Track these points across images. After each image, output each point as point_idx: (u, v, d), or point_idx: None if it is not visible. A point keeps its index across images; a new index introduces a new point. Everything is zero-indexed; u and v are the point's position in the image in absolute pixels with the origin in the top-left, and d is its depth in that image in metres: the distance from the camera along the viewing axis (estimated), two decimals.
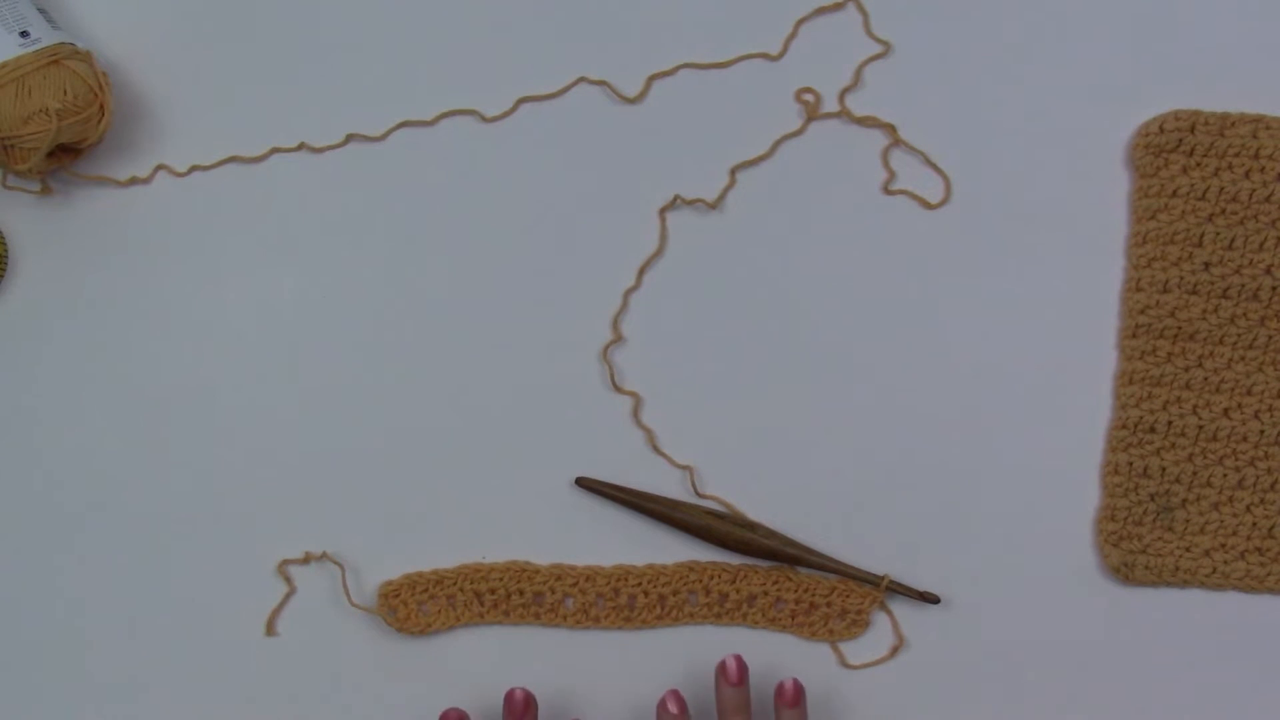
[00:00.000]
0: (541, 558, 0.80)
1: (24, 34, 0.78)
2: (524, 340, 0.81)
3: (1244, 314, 0.80)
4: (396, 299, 0.82)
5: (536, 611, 0.79)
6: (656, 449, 0.80)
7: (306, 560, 0.79)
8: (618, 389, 0.80)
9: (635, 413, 0.80)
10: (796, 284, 0.81)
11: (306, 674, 0.79)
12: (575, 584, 0.79)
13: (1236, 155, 0.80)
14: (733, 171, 0.82)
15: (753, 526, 0.78)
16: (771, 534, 0.78)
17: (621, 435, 0.80)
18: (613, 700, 0.79)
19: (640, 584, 0.79)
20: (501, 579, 0.79)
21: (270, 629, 0.79)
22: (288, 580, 0.79)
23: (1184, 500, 0.79)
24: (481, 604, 0.79)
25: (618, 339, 0.81)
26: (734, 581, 0.79)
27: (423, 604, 0.79)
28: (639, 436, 0.80)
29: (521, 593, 0.78)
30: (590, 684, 0.79)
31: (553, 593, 0.79)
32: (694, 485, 0.80)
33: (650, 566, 0.79)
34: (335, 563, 0.79)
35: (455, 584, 0.79)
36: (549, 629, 0.79)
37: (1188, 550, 0.79)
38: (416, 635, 0.79)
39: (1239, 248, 0.80)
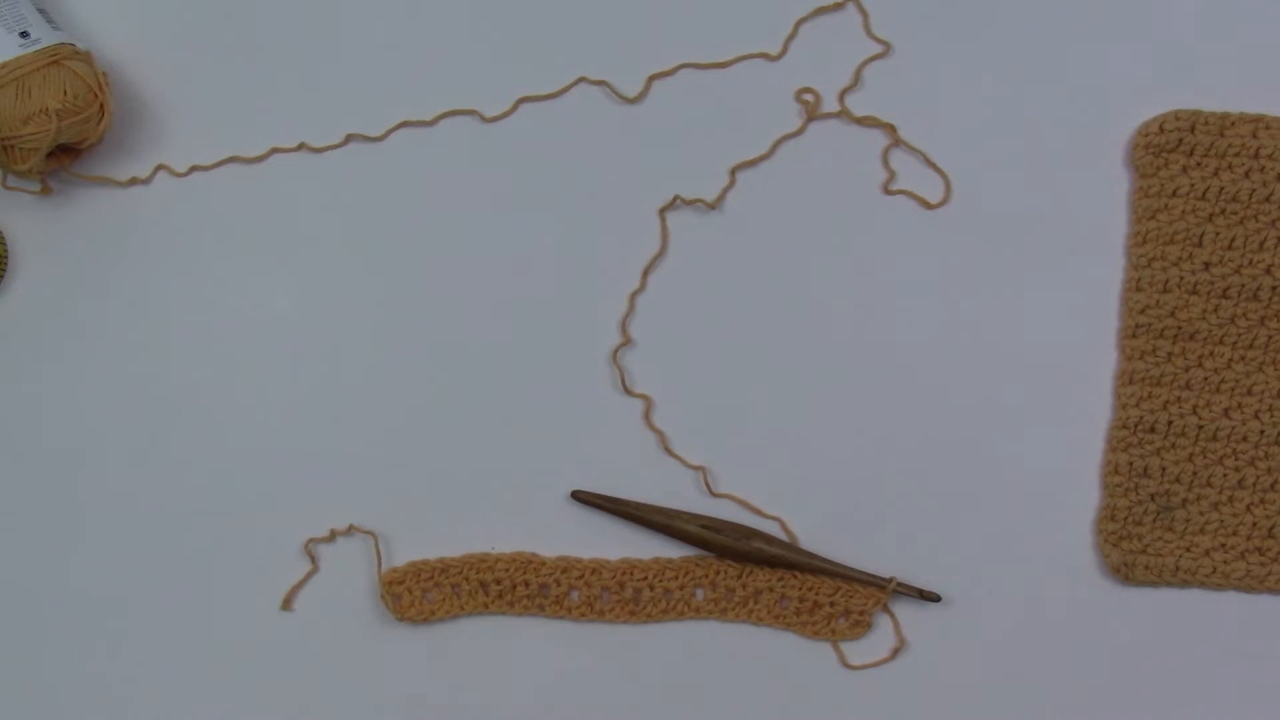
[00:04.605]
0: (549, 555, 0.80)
1: (24, 34, 0.78)
2: (525, 341, 0.81)
3: (1244, 314, 0.80)
4: (396, 300, 0.82)
5: (541, 603, 0.79)
6: (669, 451, 0.80)
7: (332, 537, 0.79)
8: (629, 392, 0.80)
9: (646, 415, 0.80)
10: (796, 285, 0.81)
11: (312, 659, 0.79)
12: (581, 577, 0.79)
13: (1236, 155, 0.80)
14: (733, 171, 0.82)
15: (750, 535, 0.78)
16: (772, 540, 0.78)
17: (633, 438, 0.80)
18: (616, 693, 0.79)
19: (646, 578, 0.79)
20: (507, 570, 0.79)
21: (287, 604, 0.79)
22: (313, 559, 0.79)
23: (1184, 500, 0.79)
24: (486, 594, 0.79)
25: (626, 342, 0.81)
26: (740, 576, 0.79)
27: (427, 591, 0.79)
28: (651, 439, 0.80)
29: (527, 584, 0.79)
30: (593, 676, 0.79)
31: (558, 585, 0.79)
32: (708, 485, 0.80)
33: (656, 560, 0.79)
34: (368, 533, 0.79)
35: (460, 573, 0.79)
36: (553, 620, 0.79)
37: (1188, 550, 0.79)
38: (419, 623, 0.79)
39: (1239, 248, 0.80)
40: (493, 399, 0.81)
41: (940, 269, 0.81)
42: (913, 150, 0.83)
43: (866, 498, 0.80)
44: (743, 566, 0.79)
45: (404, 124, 0.83)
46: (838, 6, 0.84)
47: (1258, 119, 0.81)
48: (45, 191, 0.82)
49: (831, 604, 0.78)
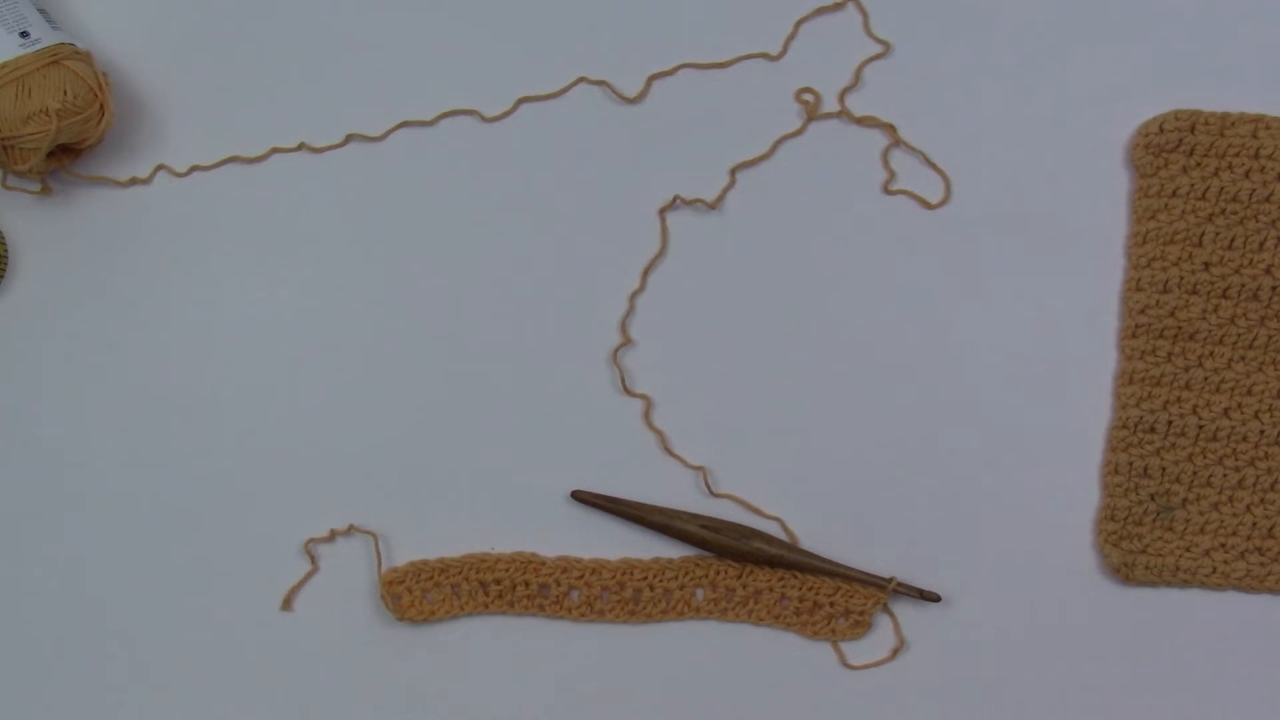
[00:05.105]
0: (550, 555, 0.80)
1: (24, 34, 0.78)
2: (525, 342, 0.81)
3: (1244, 314, 0.80)
4: (396, 300, 0.82)
5: (541, 603, 0.79)
6: (669, 451, 0.80)
7: (332, 537, 0.79)
8: (629, 392, 0.80)
9: (646, 415, 0.80)
10: (796, 285, 0.81)
11: (312, 659, 0.79)
12: (581, 577, 0.79)
13: (1236, 155, 0.80)
14: (733, 171, 0.82)
15: (750, 535, 0.78)
16: (772, 540, 0.78)
17: (633, 438, 0.80)
18: (615, 694, 0.79)
19: (646, 578, 0.79)
20: (507, 570, 0.79)
21: (287, 604, 0.79)
22: (313, 559, 0.79)
23: (1184, 500, 0.79)
24: (486, 594, 0.79)
25: (626, 342, 0.81)
26: (740, 576, 0.79)
27: (427, 591, 0.79)
28: (651, 439, 0.80)
29: (527, 584, 0.79)
30: (593, 677, 0.79)
31: (558, 585, 0.79)
32: (708, 485, 0.80)
33: (656, 560, 0.79)
34: (368, 533, 0.79)
35: (460, 573, 0.79)
36: (553, 620, 0.79)
37: (1188, 550, 0.79)
38: (419, 623, 0.79)
39: (1239, 248, 0.80)
40: (493, 399, 0.81)
41: (940, 269, 0.81)
42: (913, 150, 0.83)
43: (866, 498, 0.80)
44: (743, 566, 0.79)
45: (404, 124, 0.83)
46: (838, 6, 0.84)
47: (1258, 119, 0.81)
48: (45, 191, 0.82)
49: (831, 604, 0.78)
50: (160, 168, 0.83)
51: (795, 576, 0.79)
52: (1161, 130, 0.81)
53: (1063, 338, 0.81)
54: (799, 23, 0.84)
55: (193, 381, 0.81)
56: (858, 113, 0.83)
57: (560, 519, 0.80)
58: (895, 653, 0.79)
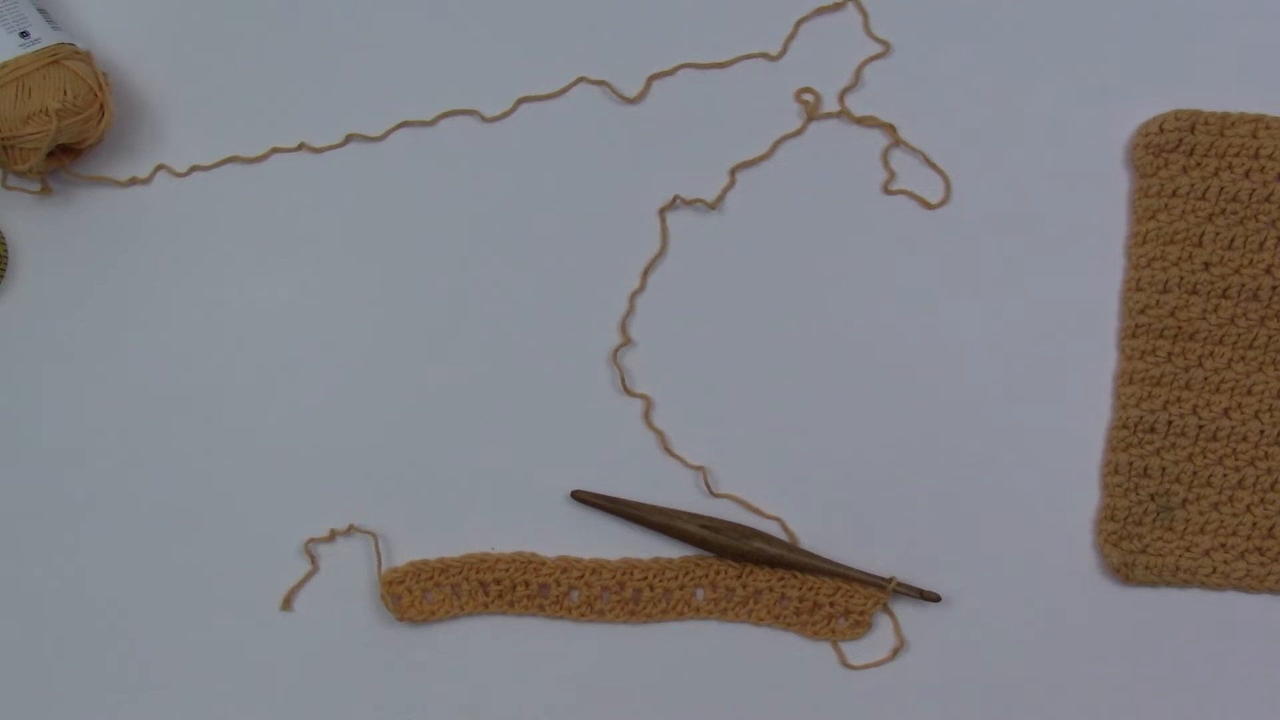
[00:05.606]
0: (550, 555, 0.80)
1: (24, 34, 0.78)
2: (525, 341, 0.81)
3: (1244, 314, 0.80)
4: (396, 299, 0.82)
5: (541, 603, 0.79)
6: (669, 451, 0.80)
7: (332, 537, 0.79)
8: (629, 392, 0.80)
9: (646, 415, 0.80)
10: (796, 285, 0.81)
11: (312, 659, 0.79)
12: (581, 577, 0.79)
13: (1236, 155, 0.80)
14: (733, 171, 0.82)
15: (750, 535, 0.78)
16: (772, 540, 0.78)
17: (633, 438, 0.80)
18: (615, 694, 0.79)
19: (646, 578, 0.79)
20: (507, 570, 0.79)
21: (287, 604, 0.79)
22: (313, 559, 0.79)
23: (1184, 500, 0.79)
24: (486, 594, 0.79)
25: (626, 342, 0.81)
26: (740, 576, 0.79)
27: (427, 592, 0.79)
28: (651, 439, 0.80)
29: (527, 584, 0.79)
30: (593, 676, 0.79)
31: (558, 585, 0.79)
32: (708, 485, 0.80)
33: (656, 560, 0.79)
34: (368, 533, 0.79)
35: (460, 573, 0.79)
36: (553, 620, 0.79)
37: (1188, 550, 0.79)
38: (419, 623, 0.79)
39: (1239, 248, 0.80)
40: (493, 399, 0.81)
41: (940, 269, 0.81)
42: (913, 150, 0.83)
43: (866, 498, 0.80)
44: (743, 566, 0.79)
45: (404, 124, 0.83)
46: (838, 6, 0.84)
47: (1258, 119, 0.81)
48: (45, 191, 0.82)
49: (831, 604, 0.78)
50: (160, 168, 0.83)
51: (795, 576, 0.79)
52: (1161, 130, 0.81)
53: (1063, 338, 0.81)
54: (799, 23, 0.84)
55: (193, 382, 0.81)
56: (858, 113, 0.83)
57: (560, 519, 0.80)
58: (895, 653, 0.79)
